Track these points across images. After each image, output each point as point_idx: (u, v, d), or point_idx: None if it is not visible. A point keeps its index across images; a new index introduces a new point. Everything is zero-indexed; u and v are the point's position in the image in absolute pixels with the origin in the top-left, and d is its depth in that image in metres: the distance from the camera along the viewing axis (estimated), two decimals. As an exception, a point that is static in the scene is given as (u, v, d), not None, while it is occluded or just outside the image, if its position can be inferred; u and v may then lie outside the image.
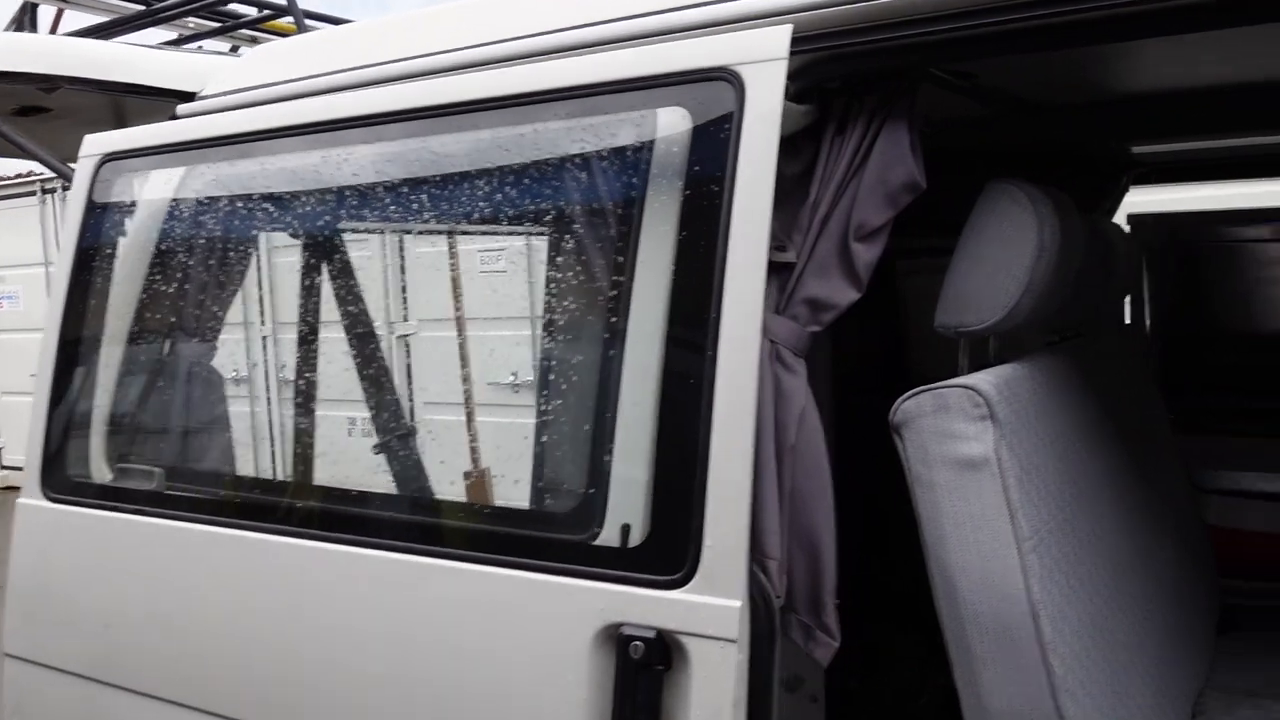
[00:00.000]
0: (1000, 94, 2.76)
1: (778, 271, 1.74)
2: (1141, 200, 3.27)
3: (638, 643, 1.52)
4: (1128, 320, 3.26)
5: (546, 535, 1.65)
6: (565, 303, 1.74)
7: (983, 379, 1.60)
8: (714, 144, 1.57)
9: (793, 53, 1.62)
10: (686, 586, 1.49)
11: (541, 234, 1.75)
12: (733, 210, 1.53)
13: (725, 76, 1.57)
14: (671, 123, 1.60)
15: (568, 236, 1.73)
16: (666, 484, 1.53)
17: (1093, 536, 1.81)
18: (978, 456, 1.56)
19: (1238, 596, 2.90)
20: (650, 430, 1.55)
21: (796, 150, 1.74)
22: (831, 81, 1.72)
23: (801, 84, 1.68)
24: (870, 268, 1.71)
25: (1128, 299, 3.17)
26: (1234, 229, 3.04)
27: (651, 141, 1.64)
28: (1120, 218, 3.24)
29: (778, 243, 1.73)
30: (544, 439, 1.73)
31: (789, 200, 1.75)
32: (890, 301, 3.60)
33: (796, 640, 1.78)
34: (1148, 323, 3.15)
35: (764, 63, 1.54)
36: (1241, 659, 2.43)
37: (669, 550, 1.51)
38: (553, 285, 1.76)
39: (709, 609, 1.47)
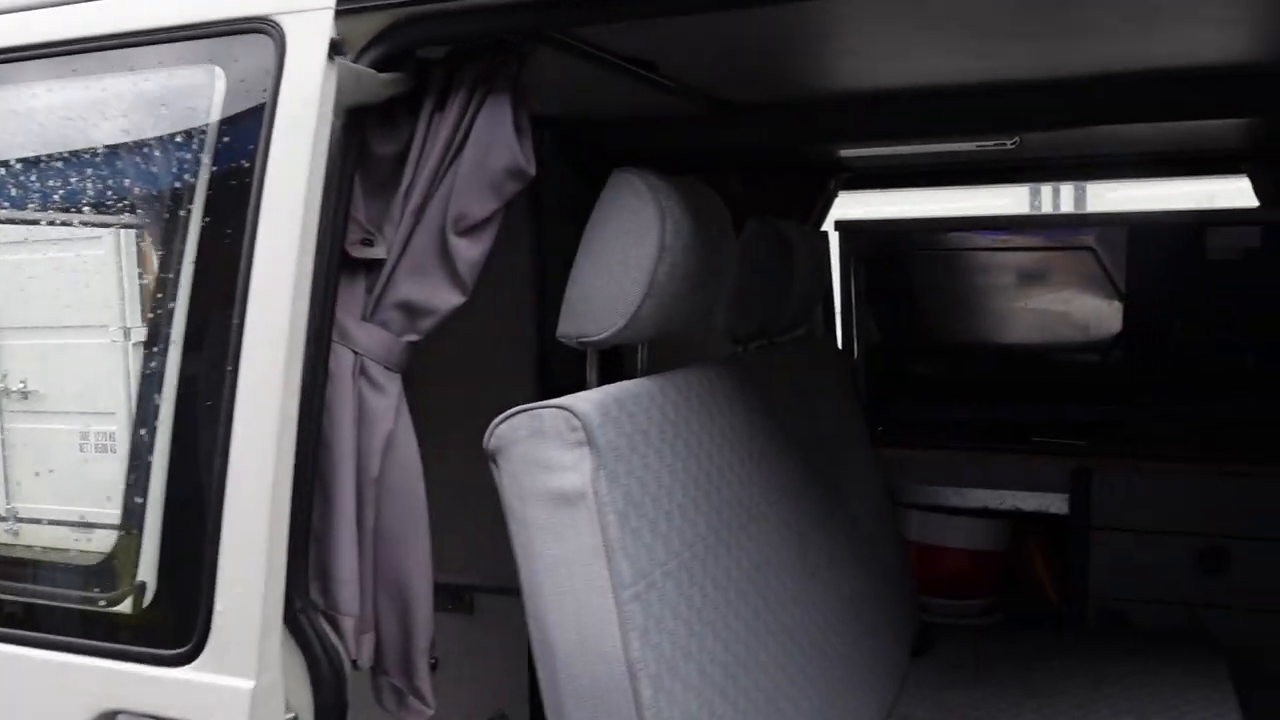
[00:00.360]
0: (697, 92, 2.59)
1: (364, 270, 1.47)
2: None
3: (136, 737, 1.20)
4: (839, 328, 3.16)
5: (41, 601, 1.31)
6: (66, 301, 1.41)
7: (583, 399, 1.37)
8: (251, 110, 1.28)
9: (374, 8, 1.35)
10: (193, 664, 1.18)
11: (44, 221, 1.42)
12: (264, 190, 1.24)
13: (264, 28, 1.28)
14: (203, 84, 1.30)
15: (82, 226, 1.40)
16: (175, 533, 1.23)
17: (734, 574, 1.61)
18: (572, 489, 1.33)
19: (938, 614, 2.83)
20: (161, 460, 1.24)
21: (393, 128, 1.47)
22: (431, 48, 1.46)
23: (387, 48, 1.41)
24: (475, 267, 1.46)
25: (829, 306, 3.07)
26: (943, 237, 2.98)
27: (183, 108, 1.32)
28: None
29: (364, 235, 1.46)
30: (39, 468, 1.39)
31: (381, 186, 1.48)
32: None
33: (388, 708, 1.51)
34: (854, 331, 3.06)
35: (307, 12, 1.26)
36: (928, 685, 2.32)
37: (175, 618, 1.21)
38: (52, 282, 1.42)
39: (214, 692, 1.17)
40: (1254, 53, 2.06)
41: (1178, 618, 2.51)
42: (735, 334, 2.21)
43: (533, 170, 1.44)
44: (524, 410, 1.36)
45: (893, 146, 2.77)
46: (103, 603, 1.25)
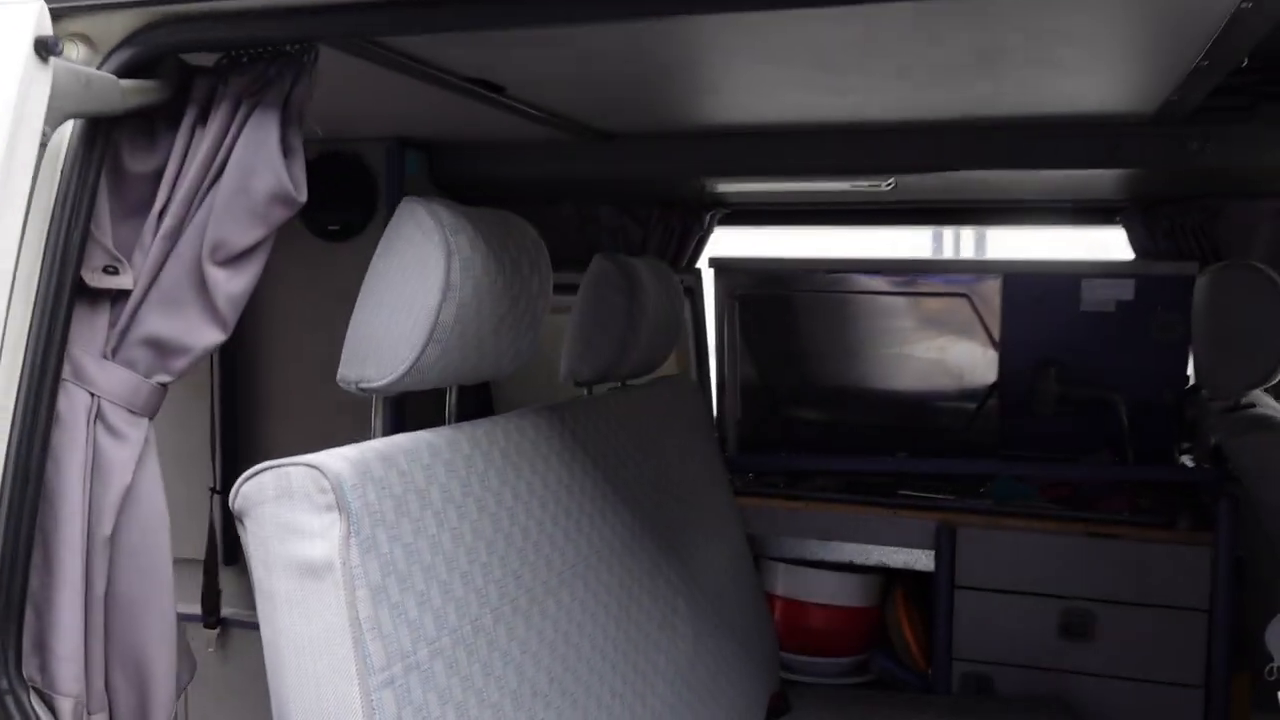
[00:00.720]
0: (567, 120, 2.47)
1: (109, 302, 1.30)
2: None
3: None
4: (713, 370, 3.04)
5: None
6: None
7: (339, 456, 1.21)
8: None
9: (120, 5, 1.20)
10: None
11: None
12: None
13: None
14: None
15: None
16: None
17: (535, 646, 1.46)
18: (320, 559, 1.17)
19: (801, 673, 2.70)
20: None
21: (151, 143, 1.31)
22: (196, 53, 1.31)
23: (139, 51, 1.26)
24: (236, 301, 1.30)
25: (700, 347, 2.96)
26: (821, 279, 2.88)
27: None
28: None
29: (109, 262, 1.29)
30: None
31: (134, 209, 1.32)
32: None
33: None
34: (726, 374, 2.94)
35: (6, 5, 1.09)
36: (778, 753, 2.19)
37: None
38: None
39: None
40: (1118, 103, 2.00)
41: (1041, 684, 2.42)
42: (578, 377, 2.07)
43: (302, 197, 1.29)
44: (271, 467, 1.20)
45: (766, 183, 2.68)
46: None
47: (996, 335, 2.76)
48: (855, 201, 2.89)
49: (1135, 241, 2.69)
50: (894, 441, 2.87)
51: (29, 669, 1.23)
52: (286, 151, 1.28)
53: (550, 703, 1.47)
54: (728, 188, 2.78)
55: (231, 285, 1.29)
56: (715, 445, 2.50)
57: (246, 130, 1.27)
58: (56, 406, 1.25)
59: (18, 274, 1.20)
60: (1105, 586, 2.36)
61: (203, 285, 1.29)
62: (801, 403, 2.96)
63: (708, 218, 2.94)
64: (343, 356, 1.39)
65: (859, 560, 2.57)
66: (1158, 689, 2.34)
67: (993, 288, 2.74)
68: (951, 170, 2.22)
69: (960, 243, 4.95)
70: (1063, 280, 2.68)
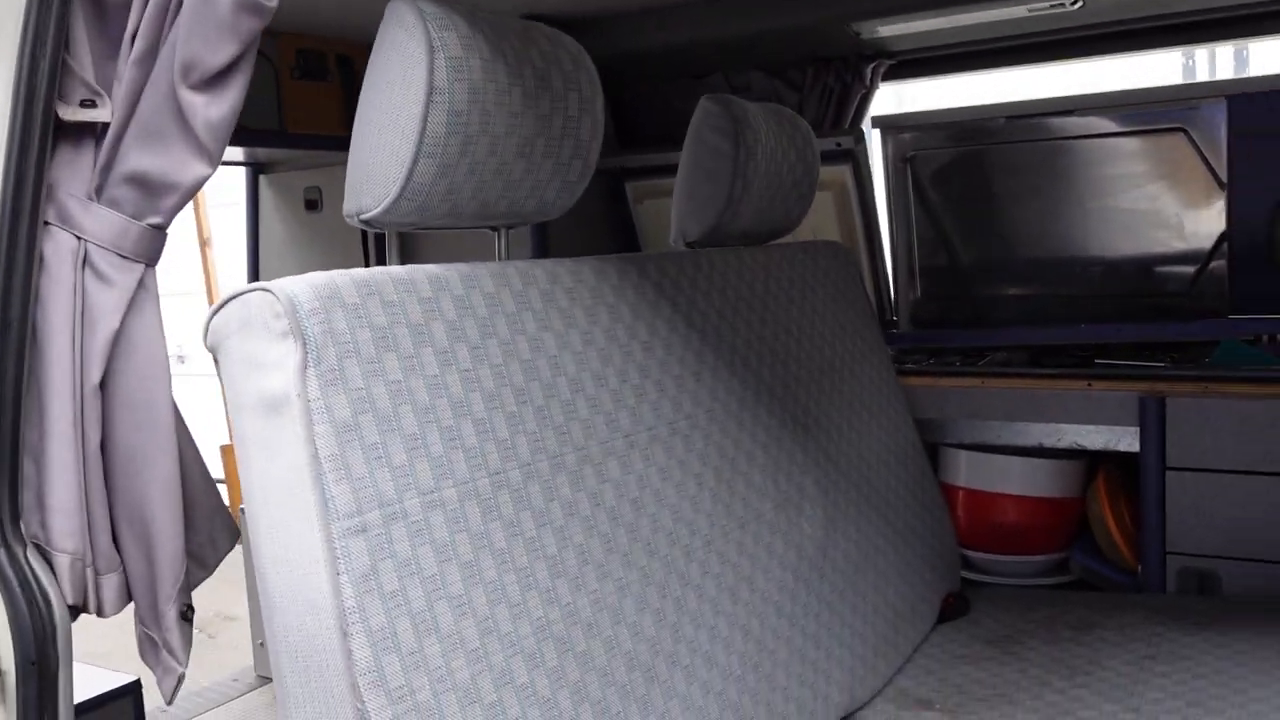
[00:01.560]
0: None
1: (93, 141, 1.22)
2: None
3: None
4: (886, 241, 2.73)
5: None
6: None
7: (303, 280, 1.07)
8: None
9: None
10: None
11: None
12: None
13: None
14: None
15: None
16: None
17: (579, 511, 1.28)
18: (278, 392, 1.04)
19: (987, 573, 2.39)
20: None
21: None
22: None
23: None
24: (218, 130, 1.20)
25: (867, 214, 2.64)
26: (1002, 128, 2.50)
27: None
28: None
29: (86, 96, 1.21)
30: None
31: (113, 42, 1.23)
32: (626, 229, 3.08)
33: (147, 663, 1.27)
34: (897, 244, 2.62)
35: None
36: (943, 656, 1.92)
37: None
38: None
39: None
40: None
41: (1278, 581, 2.00)
42: (687, 237, 1.87)
43: (272, 2, 1.15)
44: (234, 297, 1.08)
45: (926, 18, 2.33)
46: None
47: (1223, 175, 2.30)
48: (1040, 32, 2.48)
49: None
50: (1098, 313, 2.47)
51: (31, 525, 1.18)
52: (251, -47, 1.15)
53: (608, 573, 1.29)
54: (888, 30, 2.45)
55: (210, 111, 1.18)
56: (872, 319, 2.22)
57: (208, -66, 1.14)
58: (41, 250, 1.18)
59: (-15, 108, 1.14)
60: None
61: (182, 114, 1.18)
62: (987, 274, 2.59)
63: (869, 71, 2.61)
64: (345, 190, 1.25)
65: (1049, 443, 2.22)
66: None
67: (1215, 116, 2.28)
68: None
69: (1216, 66, 4.21)
70: (1306, 97, 2.18)
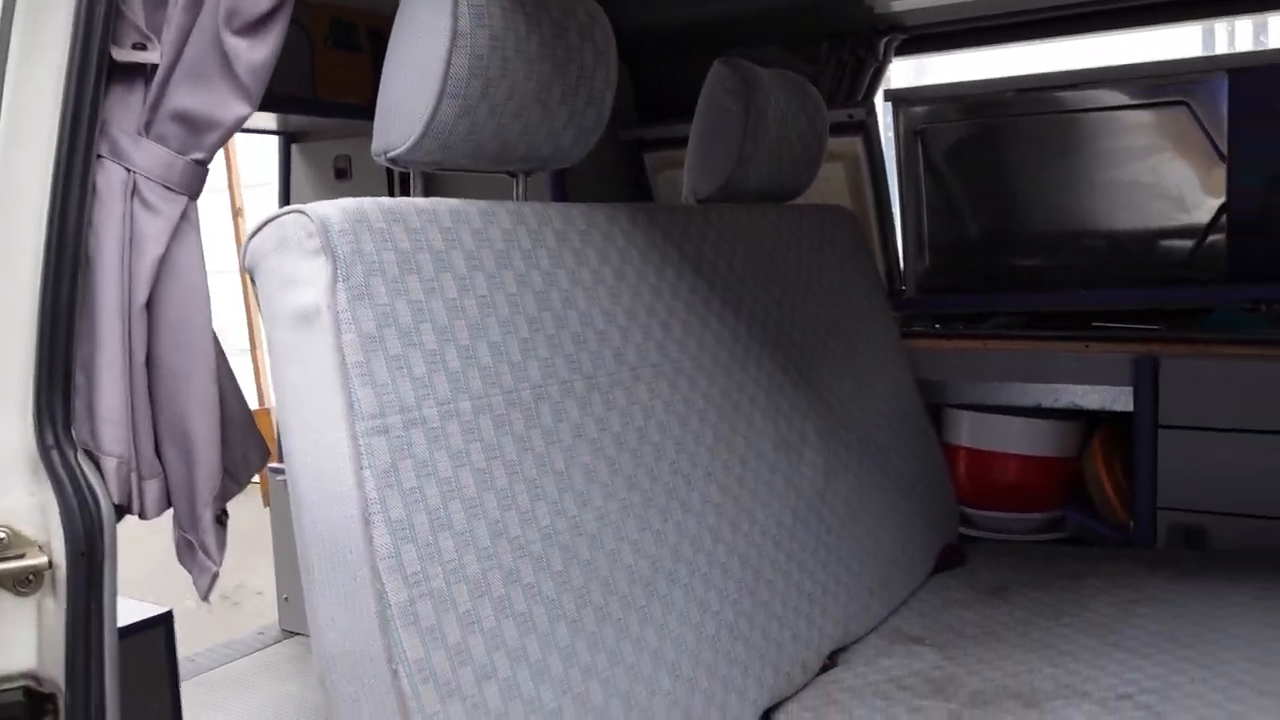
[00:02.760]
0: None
1: (143, 80, 1.32)
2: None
3: None
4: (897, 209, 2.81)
5: None
6: None
7: (334, 204, 1.17)
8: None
9: None
10: None
11: None
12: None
13: None
14: None
15: None
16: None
17: (586, 433, 1.38)
18: (309, 305, 1.14)
19: (987, 529, 2.47)
20: None
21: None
22: None
23: None
24: (259, 72, 1.30)
25: (878, 183, 2.72)
26: (1010, 102, 2.56)
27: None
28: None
29: (137, 40, 1.31)
30: None
31: (164, -8, 1.33)
32: (645, 199, 3.16)
33: (183, 564, 1.38)
34: (909, 212, 2.70)
35: None
36: (938, 601, 2.00)
37: None
38: None
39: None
40: None
41: (1264, 535, 2.07)
42: (698, 194, 1.96)
43: (304, -48, 1.25)
44: (271, 219, 1.18)
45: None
46: None
47: (1224, 148, 2.37)
48: (1057, 7, 2.54)
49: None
50: (1100, 282, 2.54)
51: (82, 433, 1.28)
52: (291, -92, 1.25)
53: (612, 492, 1.39)
54: (901, 5, 2.52)
55: (253, 54, 1.28)
56: (878, 282, 2.30)
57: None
58: (95, 181, 1.29)
59: (48, 47, 1.24)
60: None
61: (225, 57, 1.28)
62: (994, 244, 2.67)
63: (883, 46, 2.69)
64: (374, 130, 1.35)
65: (1047, 403, 2.30)
66: None
67: (1217, 90, 2.34)
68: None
69: (1235, 40, 4.24)
70: (1306, 71, 2.24)
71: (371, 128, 1.36)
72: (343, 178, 3.18)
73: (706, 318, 1.71)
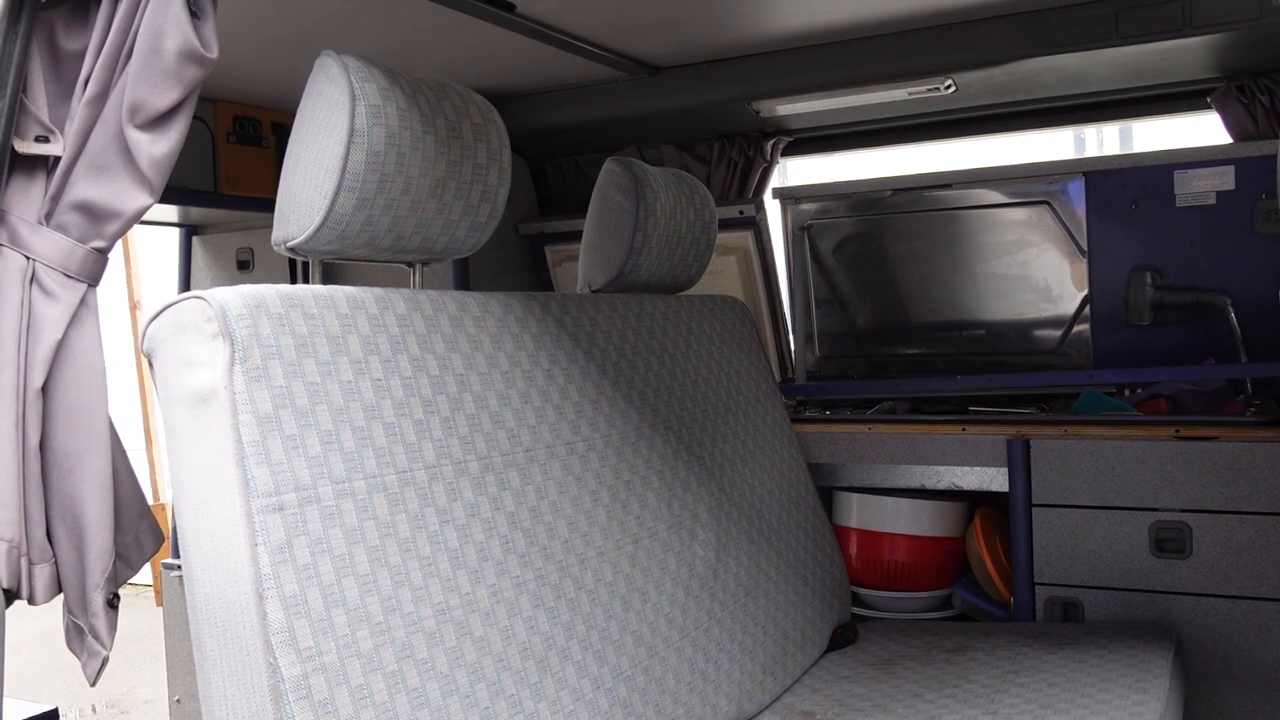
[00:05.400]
0: (610, 55, 2.47)
1: (44, 171, 1.36)
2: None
3: None
4: (785, 299, 2.93)
5: None
6: None
7: (233, 290, 1.22)
8: None
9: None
10: None
11: None
12: None
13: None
14: None
15: None
16: None
17: (481, 513, 1.42)
18: (206, 387, 1.17)
19: (878, 608, 2.55)
20: None
21: (84, 23, 1.37)
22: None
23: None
24: (161, 165, 1.34)
25: (767, 275, 2.85)
26: (890, 200, 2.73)
27: None
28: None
29: (40, 133, 1.35)
30: None
31: (67, 86, 1.38)
32: (546, 290, 3.24)
33: (73, 649, 1.37)
34: (795, 303, 2.82)
35: None
36: (830, 678, 2.06)
37: None
38: None
39: None
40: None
41: (1134, 607, 2.19)
42: (592, 284, 2.04)
43: (213, 54, 1.31)
44: (170, 304, 1.22)
45: (817, 99, 2.57)
46: None
47: (1083, 244, 2.55)
48: (923, 114, 2.73)
49: (1231, 124, 2.43)
50: (978, 368, 2.69)
51: (-28, 516, 1.28)
52: (196, 13, 1.31)
53: (506, 570, 1.43)
54: (785, 109, 2.69)
55: (155, 149, 1.33)
56: (766, 368, 2.40)
57: (154, -3, 1.31)
58: (-8, 268, 1.31)
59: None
60: (1200, 495, 2.12)
61: (128, 150, 1.33)
62: (878, 333, 2.81)
63: (769, 147, 2.85)
64: (274, 221, 1.40)
65: (930, 484, 2.40)
66: (1262, 607, 2.07)
67: (1075, 191, 2.53)
68: (1010, 62, 2.08)
69: (1104, 144, 4.58)
70: (1153, 174, 2.44)
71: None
72: (245, 269, 3.20)
73: (599, 401, 1.77)
